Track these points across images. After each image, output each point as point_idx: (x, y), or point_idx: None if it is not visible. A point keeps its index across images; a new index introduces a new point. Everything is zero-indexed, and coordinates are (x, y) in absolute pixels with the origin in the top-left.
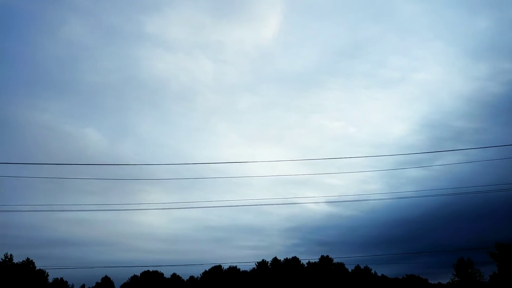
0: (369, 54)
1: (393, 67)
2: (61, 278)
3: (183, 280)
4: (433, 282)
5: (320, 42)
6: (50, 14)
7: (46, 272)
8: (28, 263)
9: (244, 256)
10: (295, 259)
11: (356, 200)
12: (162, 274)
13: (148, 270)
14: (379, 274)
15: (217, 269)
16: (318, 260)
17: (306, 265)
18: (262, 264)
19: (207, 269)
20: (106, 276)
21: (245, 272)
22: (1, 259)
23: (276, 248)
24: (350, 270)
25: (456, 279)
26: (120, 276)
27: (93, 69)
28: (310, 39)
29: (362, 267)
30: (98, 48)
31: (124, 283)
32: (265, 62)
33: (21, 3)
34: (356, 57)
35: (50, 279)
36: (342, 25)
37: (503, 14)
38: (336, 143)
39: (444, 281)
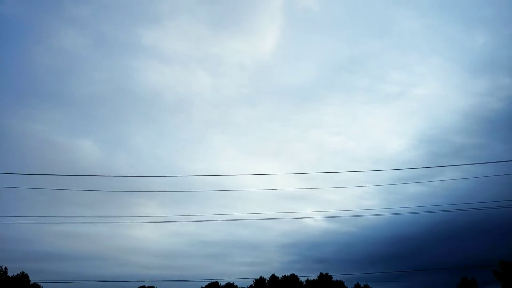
0: (369, 69)
1: (392, 82)
2: None
3: None
4: None
5: (319, 56)
6: (46, 24)
7: (41, 286)
8: (23, 276)
9: (241, 272)
10: (293, 276)
11: (353, 216)
12: None
13: (144, 286)
14: None
15: (214, 285)
16: (317, 277)
17: (304, 282)
18: (260, 281)
19: (203, 286)
20: None
21: None
22: None
23: (273, 265)
24: None
25: None
26: None
27: (88, 80)
28: (309, 53)
29: (361, 285)
30: (93, 59)
31: None
32: (263, 75)
33: (17, 13)
34: (356, 72)
35: None
36: (341, 40)
37: (501, 30)
38: (335, 158)
39: None
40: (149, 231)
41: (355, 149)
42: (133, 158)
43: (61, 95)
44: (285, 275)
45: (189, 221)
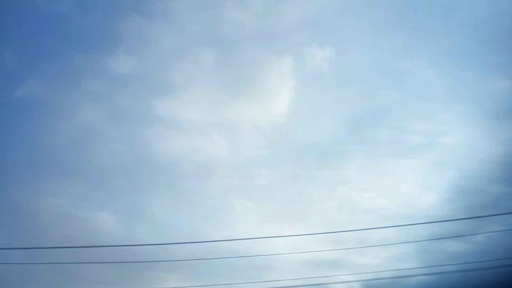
0: (391, 120)
1: (417, 133)
2: None
3: None
4: None
5: (338, 111)
6: (61, 98)
7: None
8: None
9: None
10: None
11: (392, 278)
12: None
13: None
14: None
15: None
16: None
17: None
18: None
19: None
20: None
21: None
22: None
23: None
24: None
25: None
26: None
27: (104, 152)
28: (326, 109)
29: None
30: (110, 130)
31: None
32: (280, 135)
33: (34, 87)
34: (378, 125)
35: None
36: (359, 94)
37: None
38: (365, 216)
39: None
40: None
41: (386, 206)
42: (154, 229)
43: (78, 167)
44: None
45: None
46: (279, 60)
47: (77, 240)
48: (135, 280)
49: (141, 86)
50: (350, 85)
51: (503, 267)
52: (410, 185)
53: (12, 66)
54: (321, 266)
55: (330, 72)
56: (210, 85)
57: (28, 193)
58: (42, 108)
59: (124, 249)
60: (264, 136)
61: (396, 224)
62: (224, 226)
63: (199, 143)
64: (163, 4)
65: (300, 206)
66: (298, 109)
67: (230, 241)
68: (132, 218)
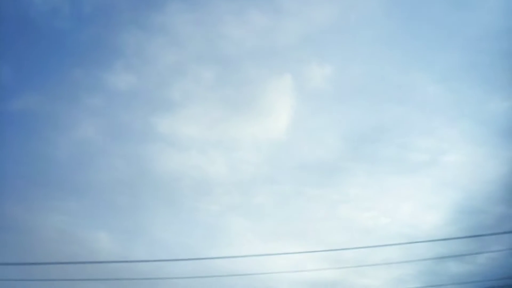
0: (393, 137)
1: (420, 150)
2: None
3: None
4: None
5: (338, 128)
6: (60, 114)
7: None
8: None
9: None
10: None
11: None
12: None
13: None
14: None
15: None
16: None
17: None
18: None
19: None
20: None
21: None
22: None
23: None
24: None
25: None
26: None
27: (104, 168)
28: (327, 126)
29: None
30: (109, 147)
31: None
32: (280, 153)
33: (31, 101)
34: (380, 141)
35: None
36: (360, 110)
37: None
38: (367, 236)
39: None
40: None
41: (388, 225)
42: (152, 247)
43: (76, 183)
44: None
45: None
46: (279, 78)
47: (74, 258)
48: None
49: (140, 102)
50: (351, 101)
51: (506, 287)
52: (413, 204)
53: (10, 80)
54: (320, 287)
55: (330, 89)
56: (210, 102)
57: (24, 208)
58: (40, 122)
59: (121, 267)
60: (263, 153)
61: (398, 244)
62: (222, 245)
63: (198, 160)
64: (163, 20)
65: (300, 225)
66: (298, 126)
67: (227, 258)
68: (130, 235)
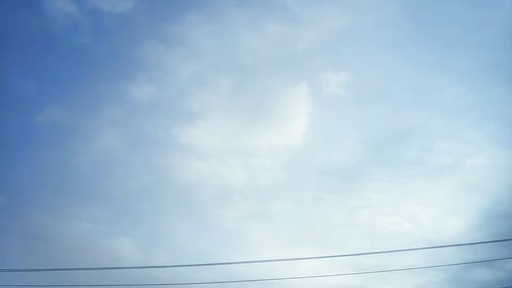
0: (415, 140)
1: (443, 153)
2: None
3: None
4: None
5: (358, 132)
6: (84, 123)
7: None
8: None
9: None
10: None
11: None
12: None
13: None
14: None
15: None
16: None
17: None
18: None
19: None
20: None
21: None
22: None
23: None
24: None
25: None
26: None
27: (126, 177)
28: (346, 130)
29: None
30: (131, 156)
31: None
32: (300, 159)
33: (56, 113)
34: (401, 145)
35: None
36: (380, 114)
37: None
38: (389, 242)
39: None
40: None
41: (411, 231)
42: (173, 254)
43: (100, 192)
44: None
45: None
46: (296, 85)
47: (97, 264)
48: None
49: (160, 113)
50: (369, 106)
51: None
52: (436, 209)
53: (35, 94)
54: None
55: (347, 95)
56: (228, 111)
57: (50, 217)
58: (64, 133)
59: (143, 274)
60: (282, 160)
61: (422, 251)
62: (242, 251)
63: (217, 168)
64: (182, 33)
65: (320, 231)
66: (316, 132)
67: (247, 263)
68: (151, 242)
